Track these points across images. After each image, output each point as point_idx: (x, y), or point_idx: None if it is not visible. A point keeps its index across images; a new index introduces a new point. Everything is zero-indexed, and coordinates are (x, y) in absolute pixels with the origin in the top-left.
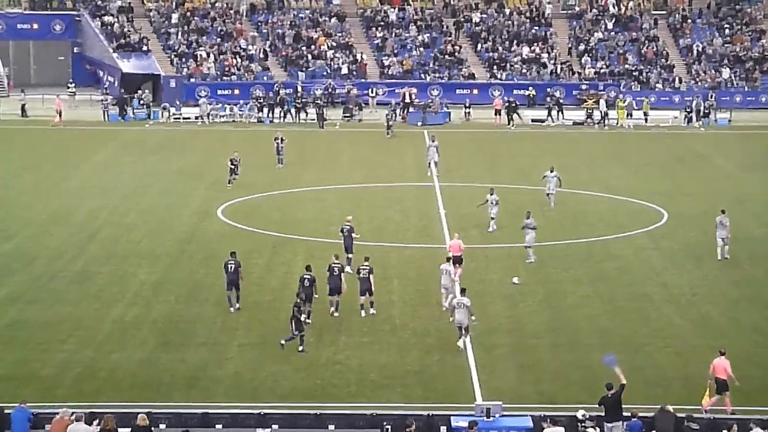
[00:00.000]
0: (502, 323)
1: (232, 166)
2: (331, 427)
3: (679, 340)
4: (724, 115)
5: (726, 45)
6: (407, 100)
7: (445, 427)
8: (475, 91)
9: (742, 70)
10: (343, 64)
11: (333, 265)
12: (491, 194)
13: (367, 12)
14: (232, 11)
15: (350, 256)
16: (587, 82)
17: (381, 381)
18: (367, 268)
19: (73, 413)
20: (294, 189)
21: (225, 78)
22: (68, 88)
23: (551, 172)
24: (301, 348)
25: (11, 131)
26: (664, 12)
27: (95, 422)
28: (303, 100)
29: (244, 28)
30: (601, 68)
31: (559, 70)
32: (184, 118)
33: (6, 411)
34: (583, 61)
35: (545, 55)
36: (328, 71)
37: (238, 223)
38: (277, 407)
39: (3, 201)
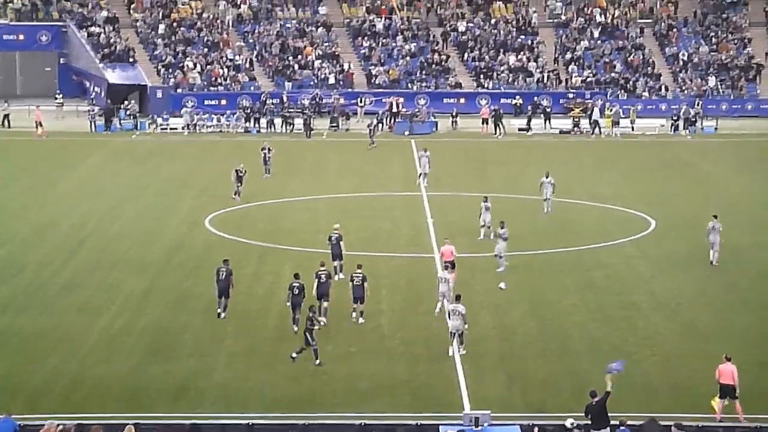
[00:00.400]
0: (491, 332)
1: (237, 177)
2: None
3: (667, 347)
4: (711, 123)
5: (712, 53)
6: (394, 109)
7: None
8: (462, 100)
9: (728, 78)
10: (330, 73)
11: (319, 272)
12: (485, 201)
13: (354, 22)
14: (218, 21)
15: (341, 263)
16: (574, 90)
17: (369, 390)
18: (360, 275)
19: (59, 425)
20: (281, 199)
21: (212, 88)
22: (56, 98)
23: (546, 177)
24: (317, 361)
25: None
26: (650, 20)
27: None
28: (290, 110)
29: (231, 38)
30: (588, 77)
31: (545, 79)
32: (171, 129)
33: None
34: (569, 69)
35: (532, 64)
36: (315, 81)
37: (226, 232)
38: (265, 417)
39: None
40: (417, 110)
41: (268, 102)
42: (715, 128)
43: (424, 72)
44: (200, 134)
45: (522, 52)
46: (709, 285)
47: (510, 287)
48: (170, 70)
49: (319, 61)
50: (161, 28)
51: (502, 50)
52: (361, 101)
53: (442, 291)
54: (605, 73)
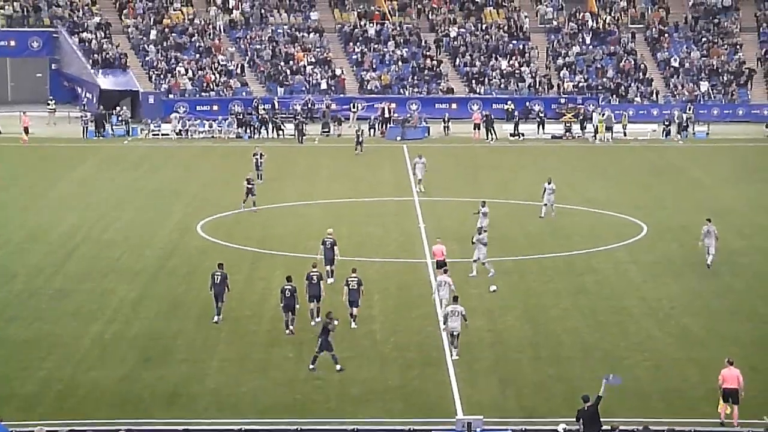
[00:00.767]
0: (483, 337)
1: (249, 186)
2: None
3: (658, 353)
4: (702, 128)
5: (703, 58)
6: (386, 114)
7: None
8: (454, 106)
9: (719, 83)
10: (321, 79)
11: (311, 273)
12: (482, 206)
13: (346, 27)
14: (210, 27)
15: (332, 268)
16: (566, 96)
17: (362, 396)
18: (356, 279)
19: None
20: (273, 204)
21: (204, 94)
22: (48, 105)
23: (549, 183)
24: (339, 367)
25: None
26: (642, 26)
27: None
28: (281, 116)
29: (223, 44)
30: (580, 82)
31: (537, 84)
32: (163, 134)
33: None
34: (561, 74)
35: (524, 69)
36: (307, 87)
37: (218, 238)
38: (258, 423)
39: None
40: (409, 116)
41: (260, 108)
42: (707, 133)
43: (416, 77)
44: (192, 140)
45: (514, 58)
46: (701, 290)
47: (503, 292)
48: (162, 76)
49: (311, 66)
50: (153, 33)
51: (493, 55)
52: (353, 106)
53: (442, 295)
54: (597, 78)
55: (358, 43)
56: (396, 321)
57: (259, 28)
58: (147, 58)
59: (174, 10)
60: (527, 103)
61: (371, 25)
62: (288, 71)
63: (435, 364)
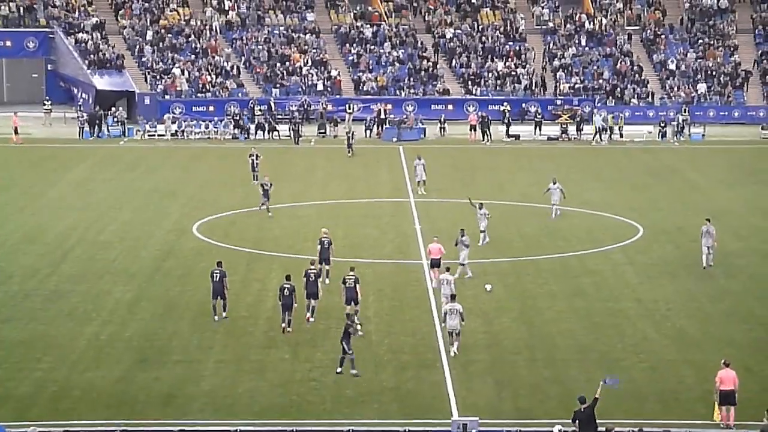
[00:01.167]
0: (479, 339)
1: (264, 191)
2: None
3: (654, 354)
4: (698, 130)
5: (699, 60)
6: (382, 116)
7: None
8: (450, 107)
9: (715, 84)
10: (318, 80)
11: (309, 270)
12: (480, 209)
13: (342, 28)
14: (206, 28)
15: (328, 268)
16: (562, 97)
17: (357, 397)
18: (353, 277)
19: None
20: (270, 205)
21: (200, 95)
22: (44, 105)
23: (554, 184)
24: (354, 371)
25: None
26: (638, 27)
27: None
28: (271, 117)
29: (219, 45)
30: (576, 83)
31: (533, 86)
32: (159, 135)
33: None
34: (557, 76)
35: (520, 71)
36: (303, 88)
37: (214, 239)
38: (253, 424)
39: None
40: (405, 117)
41: (256, 109)
42: (703, 135)
43: (412, 78)
44: (188, 141)
45: (510, 59)
46: (697, 291)
47: (498, 294)
48: (158, 77)
49: (307, 67)
50: (149, 34)
51: (489, 57)
52: (349, 108)
53: (444, 293)
54: (593, 80)
55: (354, 45)
56: (391, 322)
57: (256, 30)
58: (143, 59)
59: (170, 11)
60: (523, 105)
61: (367, 26)
62: (284, 72)
63: (430, 366)
